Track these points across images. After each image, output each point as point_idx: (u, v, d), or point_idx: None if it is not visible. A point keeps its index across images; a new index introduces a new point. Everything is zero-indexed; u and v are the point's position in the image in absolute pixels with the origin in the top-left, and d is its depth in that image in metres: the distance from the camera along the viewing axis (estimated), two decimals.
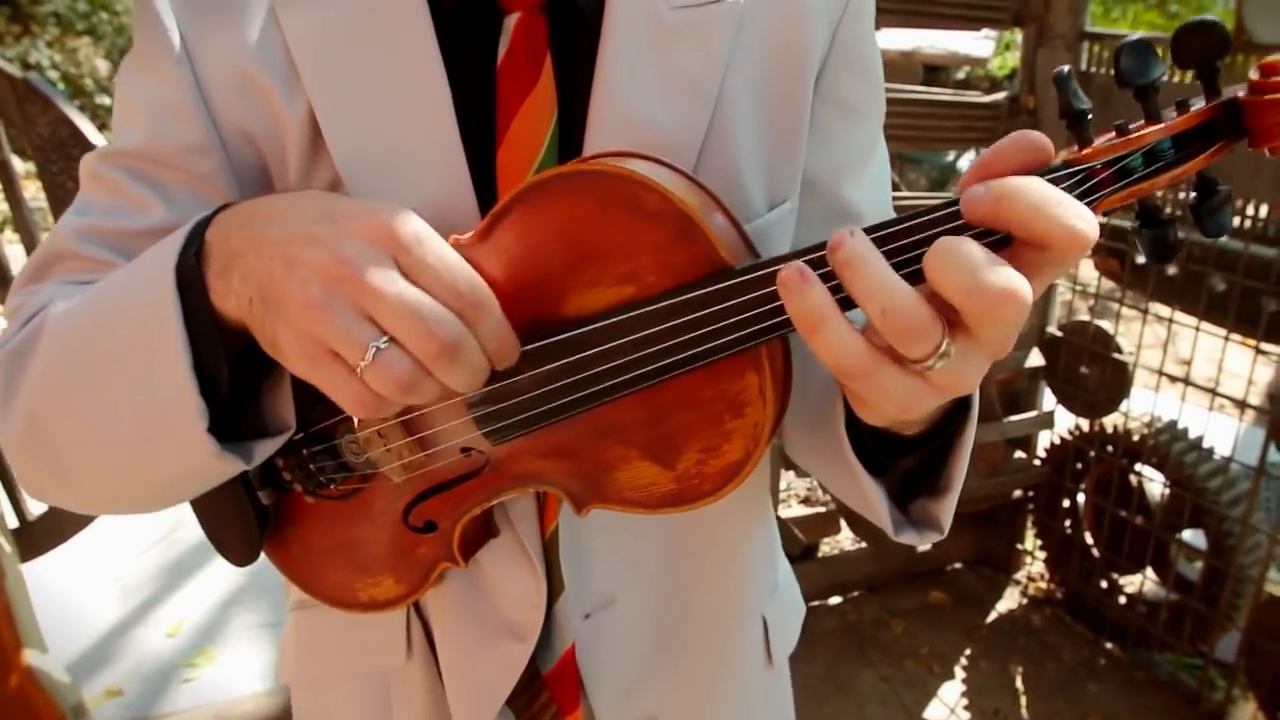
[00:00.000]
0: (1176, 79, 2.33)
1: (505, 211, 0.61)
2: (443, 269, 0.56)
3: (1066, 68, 0.52)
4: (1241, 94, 0.52)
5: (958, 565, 3.21)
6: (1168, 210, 0.55)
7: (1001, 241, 0.51)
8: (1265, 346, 2.33)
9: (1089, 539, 2.90)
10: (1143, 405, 2.72)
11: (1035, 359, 2.75)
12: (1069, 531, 2.93)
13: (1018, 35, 2.56)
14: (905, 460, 0.69)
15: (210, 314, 0.60)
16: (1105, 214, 0.56)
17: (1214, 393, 2.47)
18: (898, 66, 5.67)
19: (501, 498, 0.72)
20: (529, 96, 0.70)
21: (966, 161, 5.71)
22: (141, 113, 0.72)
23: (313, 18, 0.70)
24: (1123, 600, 2.82)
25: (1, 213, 4.66)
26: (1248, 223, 2.31)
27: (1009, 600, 3.06)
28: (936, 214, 0.52)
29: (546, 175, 0.61)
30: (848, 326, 0.51)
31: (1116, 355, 2.64)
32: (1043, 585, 3.10)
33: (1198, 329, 2.45)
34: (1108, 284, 2.83)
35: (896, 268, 0.50)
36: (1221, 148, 0.53)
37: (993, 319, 0.48)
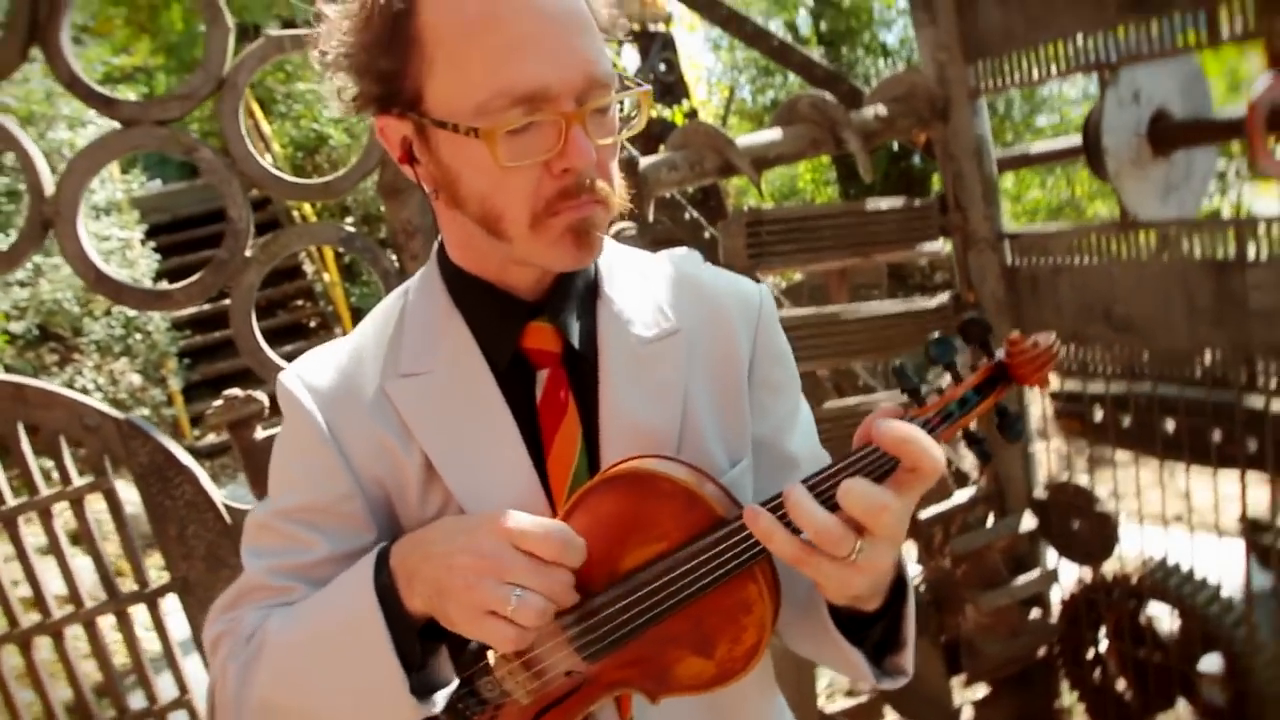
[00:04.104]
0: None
1: (574, 506, 0.93)
2: (542, 540, 0.88)
3: (899, 363, 0.85)
4: (1002, 357, 0.84)
5: None
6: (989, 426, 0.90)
7: (886, 473, 0.83)
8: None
9: (1120, 684, 3.03)
10: (1140, 541, 2.93)
11: (1029, 522, 2.99)
12: (1099, 680, 3.07)
13: None
14: (875, 630, 0.98)
15: (405, 614, 0.91)
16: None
17: (1190, 522, 2.70)
18: (863, 269, 6.15)
19: (596, 704, 0.97)
20: (562, 422, 1.01)
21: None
22: (300, 480, 1.02)
23: (413, 389, 1.01)
24: None
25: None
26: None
27: None
28: (845, 464, 0.85)
29: (595, 481, 0.93)
30: (786, 534, 0.84)
31: (1098, 508, 2.88)
32: None
33: (1161, 466, 2.72)
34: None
35: (824, 501, 0.83)
36: (1001, 390, 0.85)
37: (880, 523, 0.81)
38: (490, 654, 0.95)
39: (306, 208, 9.49)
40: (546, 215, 0.92)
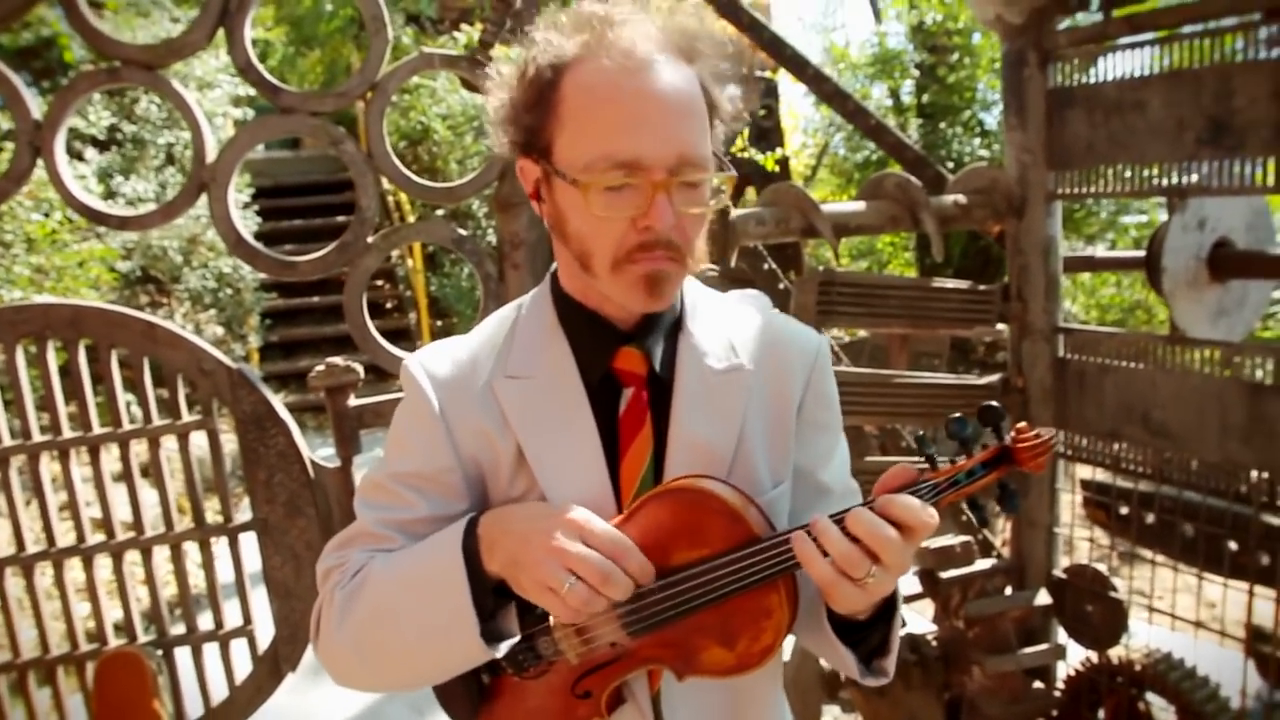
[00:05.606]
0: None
1: (638, 508, 1.10)
2: (603, 536, 1.05)
3: (921, 433, 1.04)
4: (1008, 441, 1.01)
5: None
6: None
7: None
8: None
9: None
10: (1147, 636, 3.08)
11: (1044, 598, 3.15)
12: None
13: None
14: (872, 637, 1.15)
15: (483, 573, 1.09)
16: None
17: (1198, 624, 2.85)
18: (925, 338, 6.33)
19: (632, 673, 1.14)
20: (638, 434, 1.18)
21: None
22: (413, 450, 1.19)
23: (516, 389, 1.19)
24: None
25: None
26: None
27: None
28: (861, 506, 1.01)
29: (659, 490, 1.10)
30: (823, 560, 0.99)
31: (1112, 594, 3.04)
32: None
33: (1175, 569, 2.87)
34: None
35: (844, 531, 1.00)
36: (1003, 469, 1.01)
37: (886, 551, 0.97)
38: (551, 618, 1.11)
39: (403, 198, 9.87)
40: (626, 262, 1.10)
